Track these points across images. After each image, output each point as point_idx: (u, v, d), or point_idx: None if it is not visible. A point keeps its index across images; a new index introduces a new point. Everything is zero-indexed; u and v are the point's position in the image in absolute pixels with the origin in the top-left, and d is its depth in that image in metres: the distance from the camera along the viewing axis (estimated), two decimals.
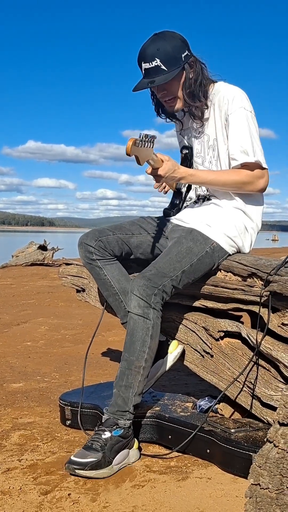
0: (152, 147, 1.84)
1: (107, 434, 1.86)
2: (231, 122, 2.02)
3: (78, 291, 2.69)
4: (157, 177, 1.96)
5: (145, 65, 1.98)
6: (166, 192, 2.29)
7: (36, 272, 10.47)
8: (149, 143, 1.82)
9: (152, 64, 1.96)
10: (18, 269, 11.38)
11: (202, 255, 2.01)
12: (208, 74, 2.09)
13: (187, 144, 2.23)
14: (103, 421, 1.93)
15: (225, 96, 2.03)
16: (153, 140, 1.83)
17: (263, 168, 2.04)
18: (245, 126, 2.01)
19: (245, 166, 2.02)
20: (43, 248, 12.59)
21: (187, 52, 2.02)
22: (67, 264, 2.80)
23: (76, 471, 1.77)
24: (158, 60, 1.95)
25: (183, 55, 2.00)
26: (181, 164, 2.16)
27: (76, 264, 2.74)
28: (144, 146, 1.80)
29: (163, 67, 1.96)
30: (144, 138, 1.78)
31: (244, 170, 2.03)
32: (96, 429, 1.91)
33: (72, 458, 1.80)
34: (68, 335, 4.38)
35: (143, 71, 2.00)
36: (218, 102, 2.06)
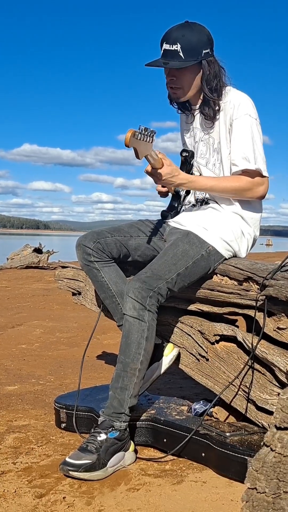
0: (152, 142, 1.83)
1: (102, 436, 1.86)
2: (235, 127, 2.03)
3: (74, 294, 2.69)
4: (155, 177, 1.97)
5: (166, 46, 2.00)
6: (165, 196, 2.28)
7: (31, 275, 10.44)
8: (149, 137, 1.80)
9: (172, 47, 1.98)
10: (13, 271, 11.34)
11: (198, 258, 2.01)
12: (224, 79, 2.08)
13: (188, 147, 2.23)
14: (99, 423, 1.92)
15: (231, 101, 2.05)
16: (153, 135, 1.82)
17: (264, 176, 2.05)
18: (248, 133, 2.02)
19: (245, 172, 2.03)
20: (38, 251, 12.56)
21: (209, 50, 2.03)
22: (63, 267, 2.79)
23: (70, 472, 1.77)
24: (179, 46, 1.97)
25: (204, 51, 2.01)
26: (180, 167, 2.16)
27: (72, 267, 2.74)
28: (143, 140, 1.78)
29: (181, 53, 1.98)
30: (143, 131, 1.77)
31: (244, 177, 2.04)
32: (92, 431, 1.91)
33: (67, 459, 1.80)
34: (63, 338, 4.37)
35: (162, 51, 2.02)
36: (224, 106, 2.06)
